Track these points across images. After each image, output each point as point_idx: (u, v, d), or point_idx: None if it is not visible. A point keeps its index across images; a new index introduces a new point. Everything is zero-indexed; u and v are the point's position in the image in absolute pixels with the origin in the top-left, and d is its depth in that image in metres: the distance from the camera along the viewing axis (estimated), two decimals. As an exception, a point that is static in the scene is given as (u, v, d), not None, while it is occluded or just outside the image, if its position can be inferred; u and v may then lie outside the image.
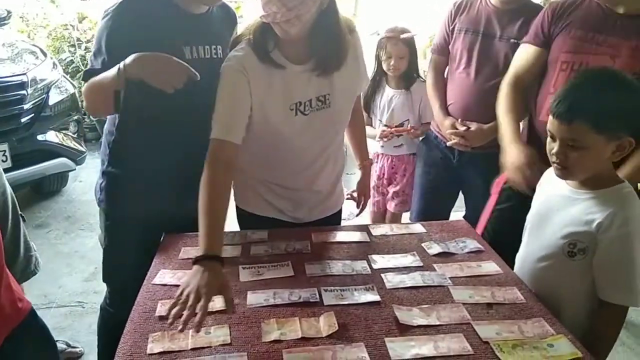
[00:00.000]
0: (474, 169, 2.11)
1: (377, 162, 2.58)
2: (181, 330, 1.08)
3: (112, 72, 1.41)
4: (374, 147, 2.50)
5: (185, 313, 1.09)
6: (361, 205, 1.88)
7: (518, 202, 1.61)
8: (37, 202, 3.85)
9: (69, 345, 2.35)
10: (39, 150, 3.31)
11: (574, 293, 1.31)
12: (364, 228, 1.69)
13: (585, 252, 1.26)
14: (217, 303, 1.26)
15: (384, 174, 2.61)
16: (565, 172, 1.26)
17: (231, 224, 1.74)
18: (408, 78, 2.47)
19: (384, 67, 2.45)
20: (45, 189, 3.90)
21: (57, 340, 2.30)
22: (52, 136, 3.38)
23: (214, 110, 1.41)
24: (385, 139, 2.48)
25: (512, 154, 1.63)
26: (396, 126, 2.47)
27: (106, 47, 1.48)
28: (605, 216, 1.20)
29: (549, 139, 1.27)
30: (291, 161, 1.57)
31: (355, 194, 1.86)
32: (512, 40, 1.93)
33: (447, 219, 2.19)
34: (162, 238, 1.63)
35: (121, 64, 1.39)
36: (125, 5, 1.49)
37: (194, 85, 1.43)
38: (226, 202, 1.35)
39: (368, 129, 2.18)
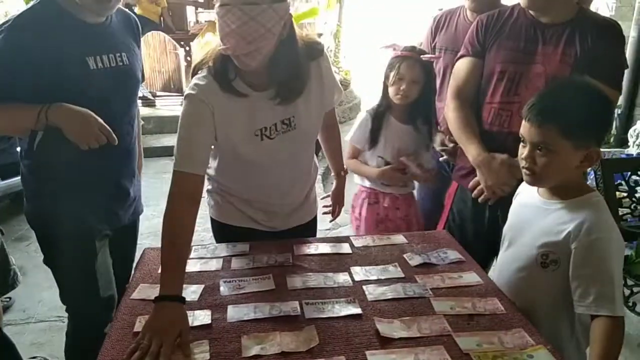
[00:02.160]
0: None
1: (372, 202, 2.15)
2: None
3: (30, 111, 1.43)
4: (372, 182, 2.14)
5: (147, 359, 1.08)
6: (335, 213, 1.93)
7: (469, 210, 1.79)
8: (17, 214, 3.79)
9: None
10: (19, 162, 3.26)
11: (549, 303, 1.32)
12: (345, 239, 1.69)
13: (557, 263, 1.27)
14: (197, 318, 1.25)
15: (387, 216, 2.15)
16: (533, 178, 1.28)
17: (207, 235, 1.75)
18: (416, 111, 2.05)
19: (391, 91, 2.01)
20: (25, 201, 3.84)
21: (35, 357, 2.29)
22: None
23: (176, 138, 1.38)
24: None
25: (490, 169, 1.62)
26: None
27: (4, 71, 1.43)
28: (576, 225, 1.22)
29: (520, 144, 1.30)
30: (261, 180, 1.57)
31: (329, 204, 1.93)
32: None
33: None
34: (141, 253, 1.62)
35: (44, 109, 1.42)
36: (17, 25, 1.45)
37: (106, 97, 1.53)
38: (188, 238, 1.32)
39: (362, 166, 2.11)
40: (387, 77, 2.03)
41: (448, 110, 1.79)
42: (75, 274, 1.65)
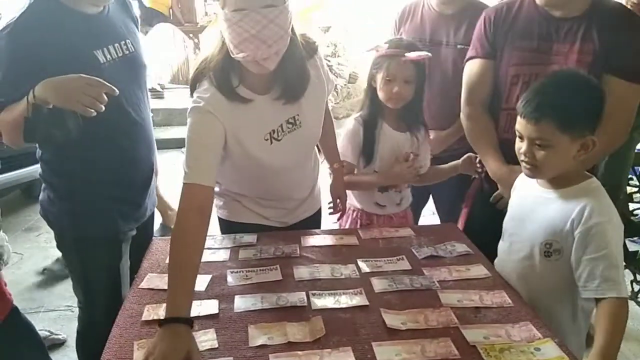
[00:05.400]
0: None
1: (365, 222, 1.88)
2: None
3: (23, 101, 1.34)
4: (365, 204, 1.88)
5: None
6: (338, 208, 1.84)
7: (490, 210, 1.66)
8: (27, 205, 3.83)
9: (52, 333, 2.38)
10: (28, 153, 3.29)
11: (552, 292, 1.33)
12: (353, 231, 1.69)
13: (560, 252, 1.29)
14: (204, 308, 1.26)
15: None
16: (533, 171, 1.29)
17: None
18: (409, 114, 1.79)
19: (382, 95, 1.73)
20: (36, 192, 3.83)
21: (39, 330, 2.34)
22: (42, 139, 3.36)
23: (185, 153, 1.33)
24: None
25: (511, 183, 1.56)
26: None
27: (11, 73, 1.39)
28: (577, 212, 1.24)
29: (517, 138, 1.31)
30: (268, 179, 1.56)
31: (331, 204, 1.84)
32: (459, 46, 1.89)
33: (417, 222, 2.13)
34: (150, 243, 1.63)
35: (31, 92, 1.32)
36: (21, 24, 1.40)
37: (122, 90, 1.40)
38: (198, 255, 1.24)
39: (358, 177, 1.84)
40: (373, 79, 1.75)
41: (463, 117, 1.76)
42: (99, 277, 1.64)
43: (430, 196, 2.20)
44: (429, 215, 2.32)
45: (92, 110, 1.32)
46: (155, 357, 1.03)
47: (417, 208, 2.12)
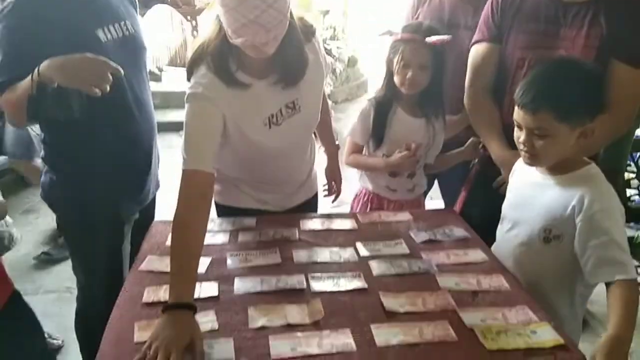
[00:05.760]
0: None
1: (375, 207, 1.87)
2: None
3: (27, 80, 1.32)
4: (376, 186, 1.86)
5: None
6: (334, 190, 1.88)
7: (488, 195, 1.66)
8: (26, 187, 3.82)
9: (49, 337, 2.30)
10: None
11: (550, 277, 1.34)
12: (352, 215, 1.70)
13: (560, 238, 1.29)
14: (204, 290, 1.27)
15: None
16: (533, 159, 1.30)
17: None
18: (427, 101, 1.77)
19: (397, 80, 1.72)
20: (34, 174, 3.87)
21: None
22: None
23: (183, 140, 1.32)
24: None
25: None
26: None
27: (13, 52, 1.38)
28: (578, 199, 1.24)
29: (516, 127, 1.30)
30: (268, 163, 1.56)
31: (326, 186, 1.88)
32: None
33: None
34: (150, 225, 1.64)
35: (35, 70, 1.30)
36: (22, 3, 1.39)
37: (124, 71, 1.37)
38: (200, 241, 1.24)
39: (364, 158, 1.85)
40: (390, 63, 1.73)
41: (466, 100, 1.74)
42: (101, 259, 1.64)
43: (436, 181, 2.19)
44: (427, 200, 2.32)
45: (98, 90, 1.30)
46: (158, 345, 1.03)
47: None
